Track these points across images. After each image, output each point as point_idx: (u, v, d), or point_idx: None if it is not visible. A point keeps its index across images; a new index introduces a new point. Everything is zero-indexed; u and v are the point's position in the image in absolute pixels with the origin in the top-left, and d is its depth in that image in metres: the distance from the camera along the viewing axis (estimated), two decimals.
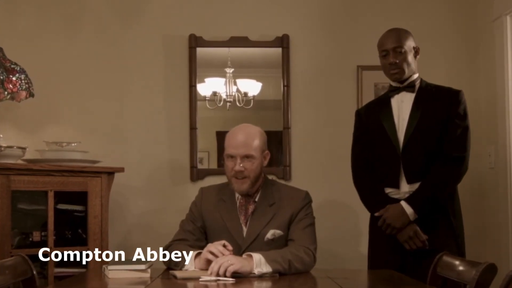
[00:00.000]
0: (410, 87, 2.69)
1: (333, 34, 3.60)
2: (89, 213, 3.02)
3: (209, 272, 2.11)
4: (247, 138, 2.43)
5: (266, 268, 2.15)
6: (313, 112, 3.58)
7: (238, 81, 3.54)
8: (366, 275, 2.50)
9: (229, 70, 3.53)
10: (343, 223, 3.52)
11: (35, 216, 3.01)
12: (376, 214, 2.66)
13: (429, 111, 2.63)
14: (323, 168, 3.56)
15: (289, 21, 3.58)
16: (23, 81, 3.01)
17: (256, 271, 2.13)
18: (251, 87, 3.55)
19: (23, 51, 3.34)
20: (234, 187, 2.44)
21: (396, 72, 2.66)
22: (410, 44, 2.67)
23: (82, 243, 3.03)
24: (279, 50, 3.55)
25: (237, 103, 3.53)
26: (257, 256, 2.16)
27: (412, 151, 2.61)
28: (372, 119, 2.77)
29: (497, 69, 3.25)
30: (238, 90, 3.54)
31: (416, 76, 2.72)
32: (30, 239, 2.96)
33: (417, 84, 2.71)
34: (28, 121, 3.40)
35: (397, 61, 2.64)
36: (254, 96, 3.54)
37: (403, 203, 2.57)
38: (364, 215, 3.42)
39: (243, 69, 3.57)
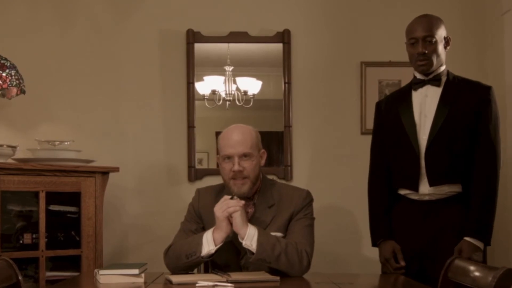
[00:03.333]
0: (435, 81, 2.52)
1: (336, 29, 3.51)
2: (83, 214, 2.94)
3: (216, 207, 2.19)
4: (244, 137, 2.35)
5: (252, 246, 2.15)
6: (315, 110, 3.49)
7: (238, 79, 3.46)
8: (372, 280, 2.41)
9: (229, 68, 3.45)
10: (345, 224, 3.44)
11: (26, 218, 2.92)
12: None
13: (458, 107, 2.46)
14: (325, 168, 3.47)
15: (291, 16, 3.49)
16: (13, 77, 2.93)
17: (244, 242, 2.16)
18: (251, 85, 3.47)
19: (14, 46, 3.25)
20: (233, 190, 2.34)
21: (424, 64, 2.48)
22: (441, 33, 2.49)
23: (75, 245, 2.94)
24: (280, 45, 3.46)
25: (237, 102, 3.45)
26: (252, 230, 2.17)
27: (437, 152, 2.45)
28: (390, 113, 2.61)
29: (506, 63, 3.17)
30: (237, 89, 3.46)
31: (443, 68, 2.54)
32: (21, 241, 2.87)
33: (444, 77, 2.53)
34: (20, 119, 3.31)
35: (426, 52, 2.46)
36: (254, 95, 3.46)
37: (469, 239, 2.38)
38: (366, 216, 3.33)
39: (243, 68, 3.48)
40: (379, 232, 2.60)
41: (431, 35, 2.45)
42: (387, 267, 2.54)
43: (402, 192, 2.56)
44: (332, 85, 3.49)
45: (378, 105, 2.74)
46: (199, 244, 2.21)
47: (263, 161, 2.42)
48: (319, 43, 3.50)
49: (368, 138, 3.36)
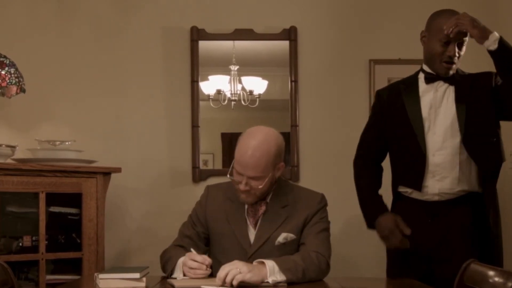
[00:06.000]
0: (448, 78, 2.41)
1: (344, 26, 3.44)
2: (84, 216, 2.88)
3: (217, 279, 1.96)
4: (259, 159, 2.16)
5: (280, 277, 2.02)
6: (322, 109, 3.42)
7: (243, 78, 3.40)
8: (383, 285, 2.31)
9: (234, 68, 3.38)
10: (354, 226, 3.36)
11: (25, 220, 2.86)
12: None
13: (473, 104, 2.37)
14: (333, 169, 3.39)
15: (297, 12, 3.42)
16: (12, 75, 2.88)
17: (270, 279, 2.00)
18: (257, 85, 3.41)
19: (14, 44, 3.20)
20: (240, 197, 2.27)
21: (450, 67, 2.38)
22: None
23: (76, 248, 2.88)
24: (286, 43, 3.39)
25: (242, 102, 3.38)
26: (270, 264, 2.03)
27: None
28: (394, 105, 2.49)
29: None
30: (243, 88, 3.40)
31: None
32: (20, 244, 2.82)
33: (455, 74, 2.42)
34: (20, 119, 3.25)
35: (458, 56, 2.36)
36: (259, 95, 3.39)
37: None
38: None
39: (249, 67, 3.42)
40: (375, 209, 2.48)
41: (466, 37, 2.34)
42: (390, 241, 2.39)
43: (405, 190, 2.46)
44: (340, 83, 3.42)
45: (379, 94, 2.61)
46: (173, 266, 2.16)
47: (279, 173, 2.28)
48: (326, 40, 3.43)
49: None
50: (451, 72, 2.40)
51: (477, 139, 2.35)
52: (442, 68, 2.39)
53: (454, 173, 2.36)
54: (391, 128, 2.50)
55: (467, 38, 2.35)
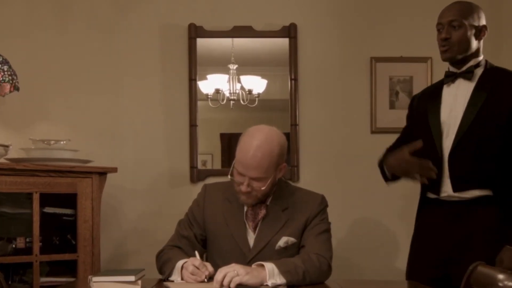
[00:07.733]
0: (468, 73, 2.33)
1: (345, 23, 3.39)
2: (79, 217, 2.84)
3: (214, 282, 1.91)
4: (261, 159, 2.10)
5: (280, 280, 1.97)
6: (322, 107, 3.37)
7: (242, 77, 3.36)
8: (386, 287, 2.25)
9: (233, 66, 3.33)
10: (355, 228, 3.34)
11: (19, 221, 2.81)
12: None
13: (491, 102, 2.26)
14: (333, 169, 3.35)
15: (297, 9, 3.38)
16: (5, 73, 2.82)
17: (270, 282, 1.95)
18: (256, 84, 3.36)
19: (8, 42, 3.17)
20: (240, 198, 2.21)
21: (445, 50, 2.32)
22: (472, 20, 2.31)
23: (71, 249, 2.85)
24: (286, 40, 3.34)
25: (241, 102, 3.33)
26: (269, 266, 1.97)
27: (462, 155, 2.26)
28: (419, 111, 2.43)
29: None
30: (242, 88, 3.35)
31: (479, 59, 2.36)
32: (14, 245, 2.77)
33: (479, 70, 2.34)
34: (13, 117, 3.21)
35: (448, 37, 2.30)
36: (259, 94, 3.35)
37: None
38: (378, 219, 3.18)
39: (248, 66, 3.37)
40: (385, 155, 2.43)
41: (457, 20, 2.28)
42: (413, 170, 2.27)
43: (429, 195, 2.39)
44: (340, 81, 3.37)
45: (413, 97, 2.58)
46: (171, 268, 2.10)
47: (281, 174, 2.22)
48: (327, 37, 3.39)
49: (378, 137, 3.28)
50: (453, 57, 2.32)
51: (472, 144, 2.25)
52: (440, 54, 2.35)
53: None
54: (415, 132, 2.43)
55: (463, 22, 2.29)
